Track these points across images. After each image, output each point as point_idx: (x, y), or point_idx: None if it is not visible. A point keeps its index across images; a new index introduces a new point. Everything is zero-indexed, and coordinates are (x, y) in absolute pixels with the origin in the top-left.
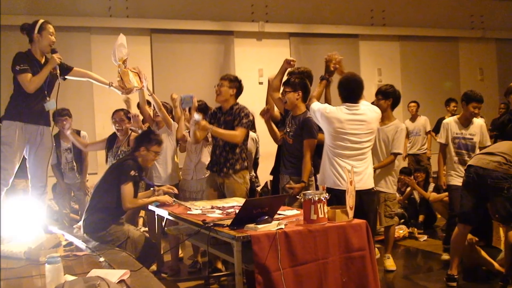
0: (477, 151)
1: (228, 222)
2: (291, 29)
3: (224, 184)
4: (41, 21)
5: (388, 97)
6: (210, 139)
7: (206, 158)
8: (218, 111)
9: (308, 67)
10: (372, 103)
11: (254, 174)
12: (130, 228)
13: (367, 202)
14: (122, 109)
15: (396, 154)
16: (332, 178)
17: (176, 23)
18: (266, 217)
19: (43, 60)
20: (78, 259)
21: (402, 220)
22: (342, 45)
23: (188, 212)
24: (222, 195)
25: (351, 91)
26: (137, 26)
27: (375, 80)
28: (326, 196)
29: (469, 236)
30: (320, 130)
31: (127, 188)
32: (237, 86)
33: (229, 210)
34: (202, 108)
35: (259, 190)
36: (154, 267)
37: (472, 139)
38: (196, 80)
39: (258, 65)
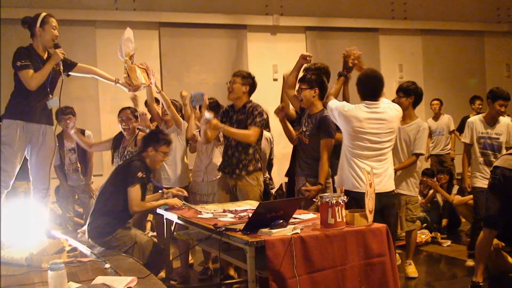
0: (504, 151)
1: (241, 226)
2: (307, 22)
3: (236, 187)
4: (43, 14)
5: (409, 95)
6: (221, 139)
7: (217, 159)
8: (230, 109)
9: (325, 63)
10: (393, 101)
11: (268, 176)
12: (137, 232)
13: (387, 205)
14: (129, 107)
15: (418, 155)
16: (351, 180)
17: (186, 16)
18: (281, 221)
19: (45, 56)
20: (83, 266)
21: (425, 225)
22: (361, 40)
23: (199, 216)
24: (234, 198)
25: (370, 88)
26: (144, 20)
27: (396, 76)
28: (344, 199)
29: (495, 241)
30: (338, 129)
31: (134, 191)
32: (250, 83)
33: (242, 214)
34: (214, 106)
35: (273, 193)
36: (162, 274)
37: (498, 138)
38: (207, 77)
39: (272, 60)
